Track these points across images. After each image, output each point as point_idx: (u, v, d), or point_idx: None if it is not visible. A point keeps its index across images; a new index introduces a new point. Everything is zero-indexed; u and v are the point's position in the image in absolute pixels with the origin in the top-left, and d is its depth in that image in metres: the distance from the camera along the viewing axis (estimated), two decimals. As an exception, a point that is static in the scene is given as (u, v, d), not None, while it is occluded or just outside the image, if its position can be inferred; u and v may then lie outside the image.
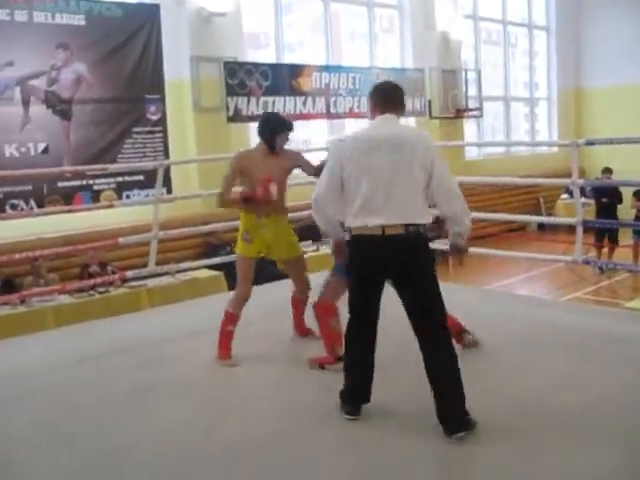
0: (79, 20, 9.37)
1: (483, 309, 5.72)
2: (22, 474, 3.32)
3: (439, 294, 3.53)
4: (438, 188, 3.53)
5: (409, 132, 3.71)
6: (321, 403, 3.83)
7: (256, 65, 11.16)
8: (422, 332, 3.48)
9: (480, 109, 15.23)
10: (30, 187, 8.88)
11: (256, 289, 4.84)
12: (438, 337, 3.46)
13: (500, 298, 6.86)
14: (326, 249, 8.75)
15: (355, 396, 3.67)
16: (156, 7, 10.07)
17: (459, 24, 14.50)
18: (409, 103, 13.57)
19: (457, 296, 6.23)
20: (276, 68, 11.43)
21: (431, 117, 14.14)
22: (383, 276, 3.55)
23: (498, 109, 16.94)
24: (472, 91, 15.00)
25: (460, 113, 14.59)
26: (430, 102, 14.07)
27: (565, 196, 15.69)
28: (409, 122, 14.14)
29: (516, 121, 17.76)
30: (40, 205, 8.89)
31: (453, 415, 3.37)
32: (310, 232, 6.51)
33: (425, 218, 3.52)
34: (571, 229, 6.30)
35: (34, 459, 3.43)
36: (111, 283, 8.01)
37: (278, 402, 3.99)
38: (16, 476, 3.31)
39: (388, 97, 3.70)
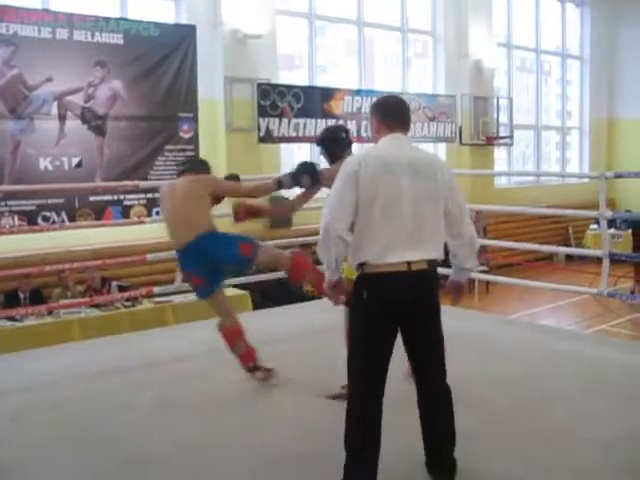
0: (117, 39, 9.57)
1: (506, 338, 5.70)
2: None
3: (443, 335, 3.24)
4: (460, 216, 3.20)
5: (427, 155, 3.34)
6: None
7: (289, 87, 11.27)
8: (425, 376, 3.18)
9: (511, 137, 15.20)
10: (62, 200, 9.03)
11: (281, 310, 4.88)
12: (442, 382, 3.20)
13: (524, 328, 6.82)
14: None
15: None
16: (192, 28, 10.25)
17: (492, 52, 14.53)
18: (440, 129, 13.62)
19: (481, 325, 6.23)
20: (308, 91, 11.53)
21: (461, 143, 14.14)
22: (402, 321, 3.08)
23: (529, 137, 16.89)
24: (503, 118, 14.98)
25: (491, 140, 14.57)
26: (461, 129, 14.08)
27: (595, 227, 15.51)
28: (439, 148, 14.19)
29: (547, 149, 17.69)
30: (71, 218, 9.04)
31: (450, 462, 3.17)
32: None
33: (441, 251, 3.20)
34: (600, 260, 6.26)
35: (50, 469, 3.47)
36: (136, 298, 8.09)
37: (299, 422, 4.00)
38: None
39: (397, 114, 3.28)
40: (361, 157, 3.13)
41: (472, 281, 11.90)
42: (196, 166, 5.16)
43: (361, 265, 3.06)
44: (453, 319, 6.34)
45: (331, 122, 11.65)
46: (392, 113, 3.26)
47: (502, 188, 15.18)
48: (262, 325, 5.98)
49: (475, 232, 3.33)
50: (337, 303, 3.45)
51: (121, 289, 8.28)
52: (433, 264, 3.12)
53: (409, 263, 3.01)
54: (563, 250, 13.65)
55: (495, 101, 14.71)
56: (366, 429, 3.00)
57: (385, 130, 3.23)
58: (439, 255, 3.16)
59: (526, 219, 14.47)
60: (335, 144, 4.45)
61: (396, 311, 3.03)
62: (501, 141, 15.02)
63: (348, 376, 3.11)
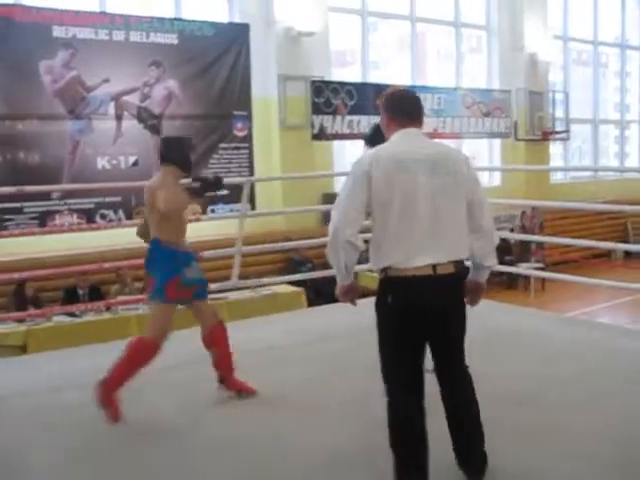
0: (172, 39, 9.72)
1: (564, 336, 5.60)
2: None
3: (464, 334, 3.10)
4: (480, 210, 3.03)
5: (445, 149, 3.08)
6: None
7: (342, 84, 11.27)
8: (450, 374, 3.07)
9: (567, 131, 14.93)
10: (119, 198, 9.22)
11: (335, 307, 4.86)
12: (466, 376, 3.09)
13: (582, 326, 6.69)
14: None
15: None
16: (246, 27, 10.34)
17: (548, 44, 14.28)
18: (494, 124, 13.46)
19: (538, 323, 6.14)
20: (362, 87, 11.51)
21: (516, 139, 13.95)
22: (428, 324, 2.92)
23: (586, 131, 16.56)
24: (559, 113, 14.72)
25: (546, 135, 14.35)
26: (516, 124, 13.89)
27: (655, 222, 15.19)
28: (493, 144, 14.03)
29: (605, 143, 17.33)
30: (128, 216, 9.22)
31: (479, 454, 3.08)
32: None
33: (467, 249, 3.01)
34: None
35: (109, 461, 3.54)
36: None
37: (349, 420, 3.99)
38: None
39: (410, 108, 3.06)
40: (371, 157, 2.92)
41: (527, 278, 11.75)
42: (166, 154, 4.39)
43: (384, 269, 2.90)
44: (510, 316, 6.31)
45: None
46: (402, 107, 3.05)
47: (558, 184, 14.93)
48: (316, 322, 6.00)
49: (494, 227, 3.16)
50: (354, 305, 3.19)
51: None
52: (460, 266, 2.95)
53: (434, 266, 2.85)
54: (621, 247, 13.31)
55: (551, 95, 14.46)
56: (410, 432, 2.90)
57: (395, 126, 3.02)
58: (464, 254, 2.99)
59: (583, 215, 14.20)
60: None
61: (422, 315, 2.88)
62: (557, 136, 14.78)
63: (384, 382, 2.99)
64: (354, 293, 3.06)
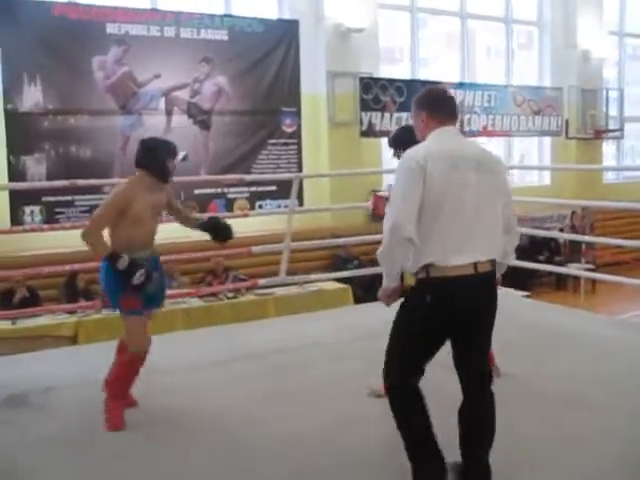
0: (222, 35, 9.79)
1: (616, 339, 5.47)
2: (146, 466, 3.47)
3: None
4: (512, 210, 3.07)
5: (482, 148, 3.11)
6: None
7: (391, 81, 11.21)
8: (471, 374, 3.01)
9: (621, 130, 14.59)
10: (168, 193, 9.29)
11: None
12: (485, 378, 3.02)
13: (633, 329, 6.54)
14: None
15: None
16: (295, 23, 10.35)
17: (602, 41, 13.97)
18: (545, 122, 13.25)
19: (589, 324, 6.02)
20: (411, 84, 11.42)
21: (567, 137, 13.70)
22: (460, 326, 2.90)
23: (641, 130, 16.18)
24: (613, 111, 14.41)
25: (599, 134, 14.05)
26: (567, 122, 13.64)
27: None
28: (544, 142, 13.80)
29: (660, 143, 16.90)
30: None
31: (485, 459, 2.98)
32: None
33: (501, 249, 3.01)
34: None
35: (167, 453, 3.57)
36: (238, 290, 8.25)
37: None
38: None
39: (446, 106, 3.06)
40: (425, 152, 2.86)
41: (577, 279, 11.54)
42: (138, 157, 4.05)
43: (425, 267, 2.85)
44: (560, 317, 6.20)
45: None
46: (440, 105, 3.04)
47: (611, 183, 14.61)
48: (363, 320, 5.96)
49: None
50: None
51: (238, 280, 8.43)
52: (494, 264, 2.93)
53: (476, 265, 2.83)
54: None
55: (604, 93, 14.15)
56: (423, 408, 2.95)
57: (435, 124, 2.99)
58: (499, 254, 2.98)
59: (636, 216, 13.84)
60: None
61: (457, 317, 2.86)
62: (610, 134, 14.45)
63: (389, 368, 3.01)
64: (396, 296, 3.00)
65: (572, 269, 10.22)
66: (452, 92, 12.20)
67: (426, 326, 2.88)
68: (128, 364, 3.96)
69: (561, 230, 12.18)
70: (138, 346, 3.92)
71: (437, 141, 2.94)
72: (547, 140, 13.75)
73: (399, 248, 2.81)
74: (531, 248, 12.31)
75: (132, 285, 3.76)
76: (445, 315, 2.85)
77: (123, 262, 3.75)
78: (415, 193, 2.79)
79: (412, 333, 2.93)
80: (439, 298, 2.83)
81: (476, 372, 3.00)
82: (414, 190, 2.80)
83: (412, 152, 2.91)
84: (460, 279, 2.81)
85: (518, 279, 10.46)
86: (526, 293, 9.41)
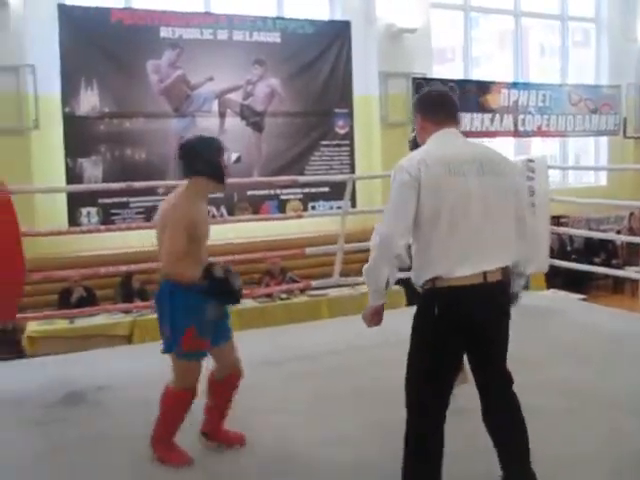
0: (274, 37, 9.83)
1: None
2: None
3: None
4: (524, 213, 2.94)
5: (489, 148, 2.97)
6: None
7: (444, 81, 11.09)
8: (490, 383, 2.87)
9: (683, 129, 14.20)
10: (222, 195, 9.36)
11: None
12: (507, 383, 2.89)
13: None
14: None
15: None
16: (347, 24, 10.33)
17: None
18: (602, 121, 12.96)
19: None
20: (464, 84, 11.30)
21: (625, 136, 13.37)
22: (472, 336, 2.75)
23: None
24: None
25: (659, 133, 13.69)
26: (625, 120, 13.32)
27: None
28: (600, 142, 13.51)
29: None
30: (230, 212, 9.38)
31: (526, 467, 2.83)
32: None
33: (514, 255, 2.84)
34: None
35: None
36: (292, 291, 8.26)
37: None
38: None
39: (442, 108, 2.91)
40: (419, 160, 2.71)
41: (635, 283, 11.23)
42: (189, 165, 3.40)
43: (431, 280, 2.72)
44: (618, 322, 6.04)
45: (487, 116, 11.38)
46: (435, 107, 2.91)
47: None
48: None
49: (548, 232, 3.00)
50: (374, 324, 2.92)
51: (294, 281, 8.43)
52: (506, 272, 2.78)
53: (485, 274, 2.69)
54: None
55: (665, 90, 13.78)
56: (426, 445, 2.78)
57: (432, 127, 2.86)
58: (511, 260, 2.82)
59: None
60: None
61: (468, 327, 2.71)
62: (670, 133, 14.07)
63: (406, 394, 2.84)
64: (381, 316, 2.87)
65: (630, 272, 9.97)
66: (506, 92, 12.06)
67: (436, 338, 2.73)
68: (175, 404, 3.38)
69: (618, 232, 11.90)
70: (189, 383, 3.36)
71: (435, 145, 2.81)
72: (604, 139, 13.46)
73: (387, 264, 2.70)
74: (587, 250, 12.08)
75: (205, 318, 3.26)
76: (453, 324, 2.69)
77: (219, 270, 3.28)
78: (407, 208, 2.68)
79: (424, 348, 2.78)
80: (446, 308, 2.69)
81: (494, 382, 2.87)
82: (406, 204, 2.68)
83: (406, 162, 2.76)
84: (467, 288, 2.68)
85: (574, 281, 10.27)
86: (582, 296, 9.24)
